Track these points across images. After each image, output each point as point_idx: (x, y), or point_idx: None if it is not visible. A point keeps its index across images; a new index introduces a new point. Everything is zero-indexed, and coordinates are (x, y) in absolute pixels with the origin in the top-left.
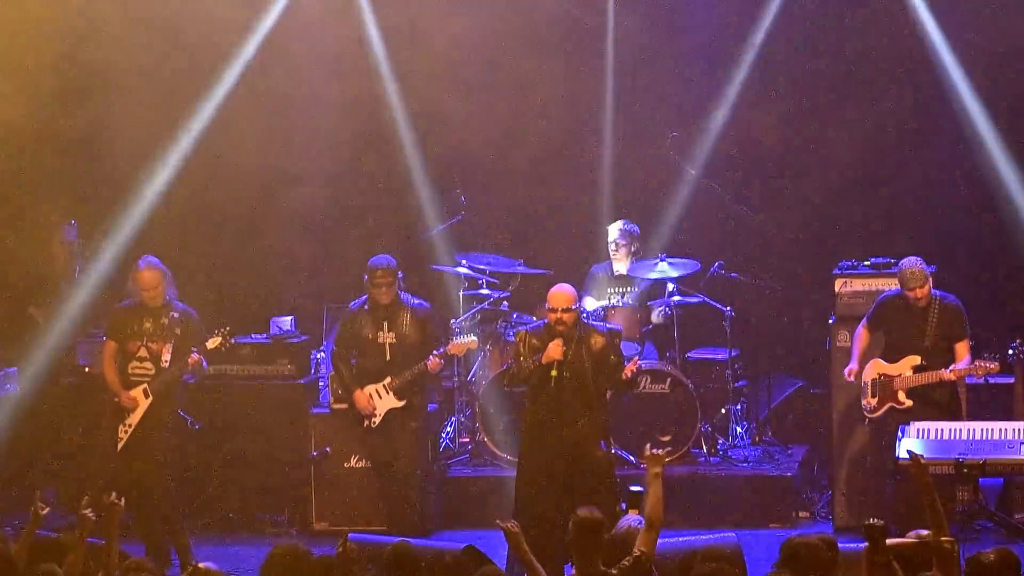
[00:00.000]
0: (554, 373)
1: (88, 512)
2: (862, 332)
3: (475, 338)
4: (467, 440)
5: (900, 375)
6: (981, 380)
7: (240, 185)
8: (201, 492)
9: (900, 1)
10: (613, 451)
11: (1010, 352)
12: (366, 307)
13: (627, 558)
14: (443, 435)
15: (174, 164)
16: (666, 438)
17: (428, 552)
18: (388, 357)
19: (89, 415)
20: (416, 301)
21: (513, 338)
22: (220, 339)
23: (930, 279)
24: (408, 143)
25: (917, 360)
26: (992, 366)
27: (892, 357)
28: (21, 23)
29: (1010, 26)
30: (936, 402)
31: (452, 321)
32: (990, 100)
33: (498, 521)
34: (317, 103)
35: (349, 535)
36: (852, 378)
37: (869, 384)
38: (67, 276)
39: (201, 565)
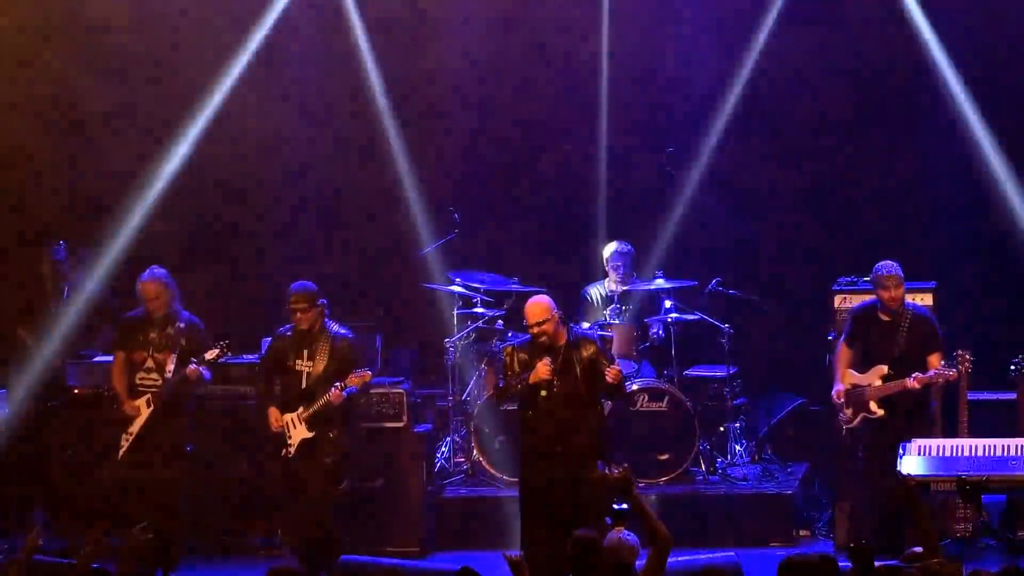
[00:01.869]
0: (543, 393)
1: (101, 538)
2: (842, 348)
3: (369, 371)
4: (462, 460)
5: (870, 385)
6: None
7: (231, 205)
8: (194, 513)
9: (900, 13)
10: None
11: (1012, 369)
12: (288, 334)
13: None
14: (438, 455)
15: (164, 184)
16: (664, 457)
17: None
18: (304, 385)
19: (79, 436)
20: (340, 330)
21: (502, 356)
22: (218, 351)
23: (903, 287)
24: (402, 160)
25: (884, 370)
26: (950, 373)
27: (863, 368)
28: (9, 41)
29: (1012, 39)
30: (906, 411)
31: (446, 340)
32: (992, 114)
33: (504, 553)
34: (309, 120)
35: (342, 556)
36: (842, 399)
37: (844, 397)
38: (55, 297)
39: None
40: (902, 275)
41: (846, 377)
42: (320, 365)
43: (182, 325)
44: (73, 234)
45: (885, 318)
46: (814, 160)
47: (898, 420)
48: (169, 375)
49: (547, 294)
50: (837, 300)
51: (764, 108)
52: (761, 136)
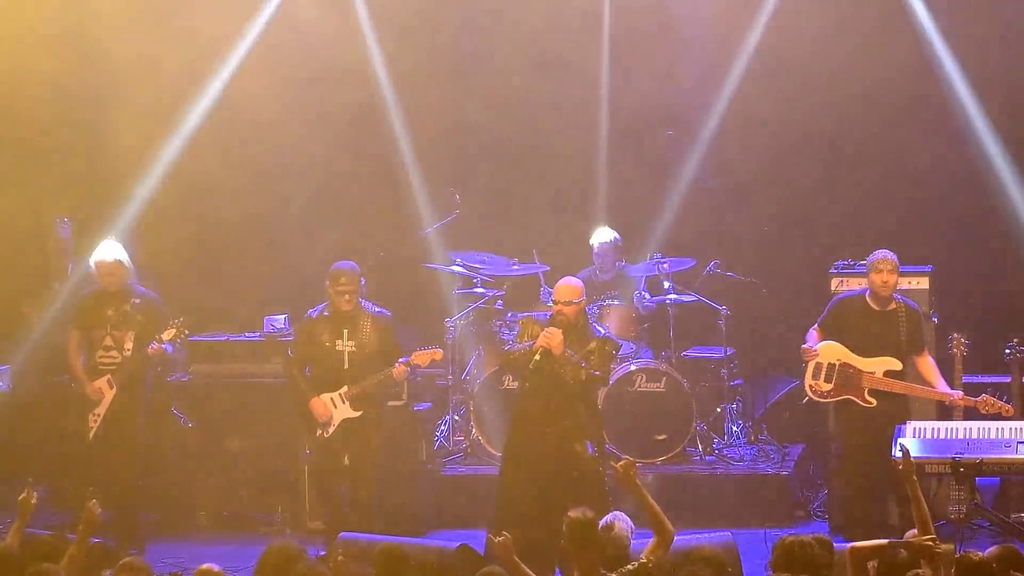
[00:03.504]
0: (537, 357)
1: (94, 505)
2: (814, 334)
3: (440, 349)
4: (461, 439)
5: (872, 372)
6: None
7: (235, 183)
8: (195, 490)
9: (900, 3)
10: (606, 448)
11: (1007, 351)
12: (326, 313)
13: (631, 563)
14: (437, 434)
15: (169, 162)
16: (661, 437)
17: (419, 552)
18: (346, 365)
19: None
20: (377, 309)
21: (516, 330)
22: (174, 331)
23: (897, 276)
24: (403, 141)
25: (896, 365)
26: (1007, 408)
27: (860, 354)
28: (17, 24)
29: (1009, 27)
30: (894, 406)
31: (447, 320)
32: (990, 101)
33: (489, 535)
34: (312, 102)
35: (341, 534)
36: (813, 356)
37: (824, 367)
38: (60, 274)
39: (203, 566)
40: (898, 264)
41: (834, 350)
42: (365, 344)
43: (138, 301)
44: (79, 211)
45: (876, 307)
46: (813, 143)
47: (881, 413)
48: (128, 352)
49: (576, 279)
50: (834, 283)
51: (764, 92)
52: (761, 119)
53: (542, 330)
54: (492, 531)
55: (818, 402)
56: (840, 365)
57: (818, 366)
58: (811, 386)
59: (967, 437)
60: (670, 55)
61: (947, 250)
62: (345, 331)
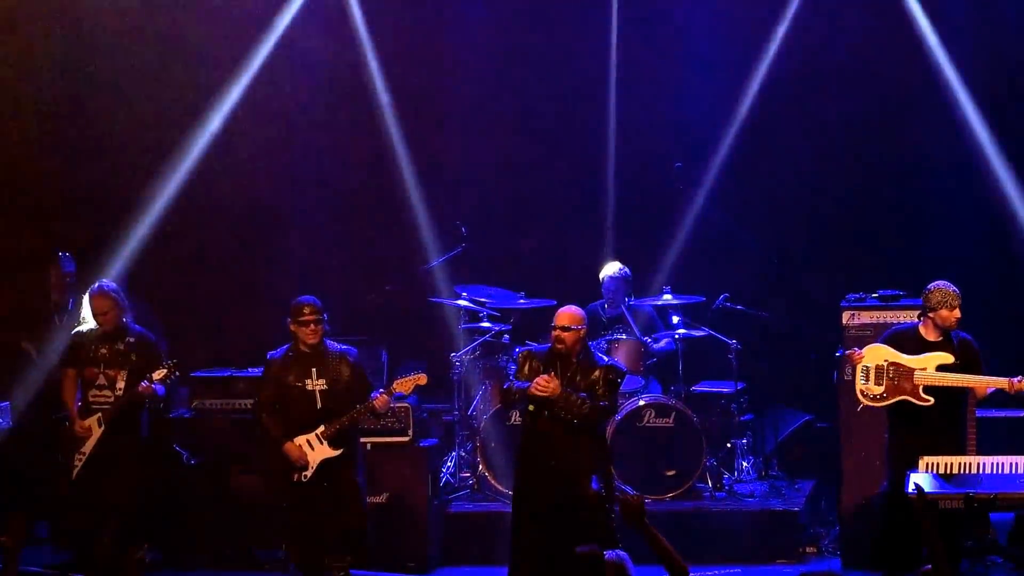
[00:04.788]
0: (531, 408)
1: (143, 553)
2: None
3: (423, 375)
4: (468, 475)
5: (924, 369)
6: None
7: (236, 219)
8: (198, 528)
9: (910, 30)
10: (615, 484)
11: None
12: (290, 354)
13: None
14: (444, 470)
15: (170, 197)
16: (671, 473)
17: None
18: (320, 405)
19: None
20: (342, 347)
21: (515, 364)
22: (166, 371)
23: None
24: (409, 175)
25: (947, 359)
26: None
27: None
28: (19, 53)
29: (1017, 51)
30: (953, 403)
31: (452, 355)
32: (999, 129)
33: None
34: (315, 135)
35: (351, 572)
36: (859, 358)
37: (872, 369)
38: (60, 309)
39: None
40: None
41: (880, 352)
42: (336, 381)
43: (132, 340)
44: (82, 245)
45: (930, 339)
46: (822, 177)
47: (939, 413)
48: (120, 392)
49: (577, 306)
50: (845, 316)
51: (771, 125)
52: (769, 153)
53: (539, 365)
54: (511, 569)
55: (872, 407)
56: (888, 365)
57: (865, 369)
58: (862, 391)
59: (981, 472)
60: (679, 88)
61: (961, 286)
62: (314, 370)
